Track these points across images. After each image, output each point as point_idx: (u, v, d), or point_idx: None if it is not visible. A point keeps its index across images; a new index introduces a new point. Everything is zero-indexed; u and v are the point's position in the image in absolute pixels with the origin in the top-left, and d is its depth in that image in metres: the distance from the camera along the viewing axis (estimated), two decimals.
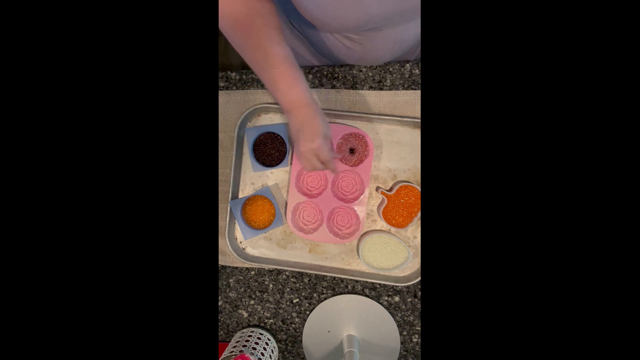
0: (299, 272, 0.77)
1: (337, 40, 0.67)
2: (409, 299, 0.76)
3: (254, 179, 0.76)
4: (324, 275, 0.76)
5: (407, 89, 0.72)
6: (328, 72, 0.73)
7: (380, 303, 0.76)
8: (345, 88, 0.73)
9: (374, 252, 0.74)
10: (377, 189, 0.73)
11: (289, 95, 0.57)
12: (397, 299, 0.76)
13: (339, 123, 0.72)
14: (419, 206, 0.72)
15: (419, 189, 0.72)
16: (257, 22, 0.54)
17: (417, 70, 0.72)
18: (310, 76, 0.74)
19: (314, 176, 0.74)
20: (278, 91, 0.57)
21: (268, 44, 0.55)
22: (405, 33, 0.65)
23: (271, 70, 0.56)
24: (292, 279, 0.77)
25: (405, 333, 0.77)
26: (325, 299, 0.77)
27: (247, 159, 0.75)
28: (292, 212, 0.74)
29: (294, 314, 0.78)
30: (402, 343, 0.77)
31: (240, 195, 0.76)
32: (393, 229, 0.74)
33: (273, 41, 0.55)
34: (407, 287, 0.75)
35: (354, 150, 0.72)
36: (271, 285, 0.78)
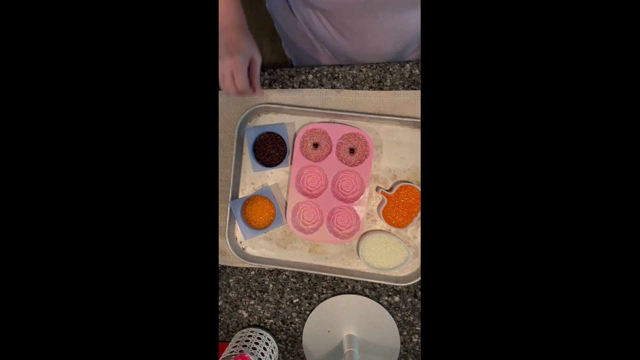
0: (299, 272, 0.77)
1: (336, 31, 0.66)
2: (409, 299, 0.76)
3: (254, 179, 0.76)
4: (324, 275, 0.76)
5: (407, 89, 0.72)
6: (328, 72, 0.74)
7: (380, 303, 0.76)
8: (345, 88, 0.73)
9: (374, 252, 0.74)
10: (377, 189, 0.73)
11: (223, 16, 0.57)
12: (397, 299, 0.76)
13: (339, 123, 0.72)
14: (419, 206, 0.72)
15: (419, 189, 0.72)
16: None
17: (417, 70, 0.72)
18: (311, 76, 0.74)
19: (314, 176, 0.74)
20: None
21: None
22: (405, 23, 0.65)
23: None
24: (292, 279, 0.77)
25: (405, 333, 0.77)
26: (325, 299, 0.77)
27: (247, 159, 0.75)
28: (292, 212, 0.74)
29: (294, 314, 0.78)
30: (402, 343, 0.77)
31: (240, 196, 0.76)
32: (393, 229, 0.74)
33: None
34: (407, 287, 0.75)
35: (354, 150, 0.72)
36: (271, 285, 0.78)
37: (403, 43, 0.70)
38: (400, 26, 0.65)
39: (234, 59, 0.56)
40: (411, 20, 0.65)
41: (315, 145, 0.72)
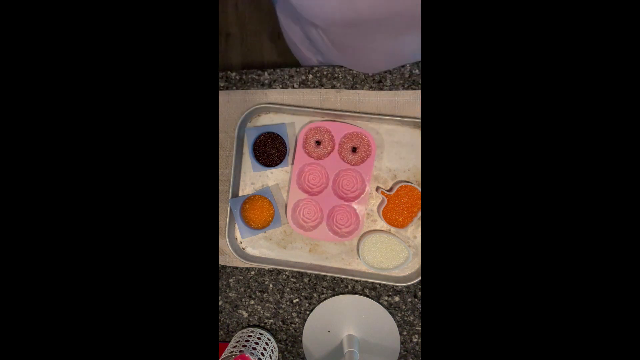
0: (299, 272, 0.77)
1: (331, 44, 0.66)
2: (409, 299, 0.76)
3: (254, 179, 0.76)
4: (324, 275, 0.76)
5: (407, 89, 0.72)
6: (328, 72, 0.74)
7: (380, 303, 0.76)
8: (345, 88, 0.73)
9: (374, 252, 0.74)
10: (377, 189, 0.73)
11: None
12: (397, 299, 0.76)
13: (341, 122, 0.72)
14: (419, 206, 0.72)
15: (419, 189, 0.72)
16: None
17: (417, 70, 0.72)
18: (311, 76, 0.74)
19: (315, 174, 0.74)
20: None
21: None
22: (400, 48, 0.64)
23: None
24: (292, 279, 0.77)
25: (405, 333, 0.77)
26: (325, 299, 0.77)
27: (247, 159, 0.75)
28: (293, 209, 0.74)
29: (294, 314, 0.78)
30: (402, 343, 0.77)
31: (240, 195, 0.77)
32: (393, 229, 0.74)
33: None
34: (407, 287, 0.75)
35: (356, 149, 0.72)
36: (271, 285, 0.78)
37: (398, 63, 0.70)
38: (396, 51, 0.65)
39: None
40: (407, 46, 0.64)
41: (318, 143, 0.73)
